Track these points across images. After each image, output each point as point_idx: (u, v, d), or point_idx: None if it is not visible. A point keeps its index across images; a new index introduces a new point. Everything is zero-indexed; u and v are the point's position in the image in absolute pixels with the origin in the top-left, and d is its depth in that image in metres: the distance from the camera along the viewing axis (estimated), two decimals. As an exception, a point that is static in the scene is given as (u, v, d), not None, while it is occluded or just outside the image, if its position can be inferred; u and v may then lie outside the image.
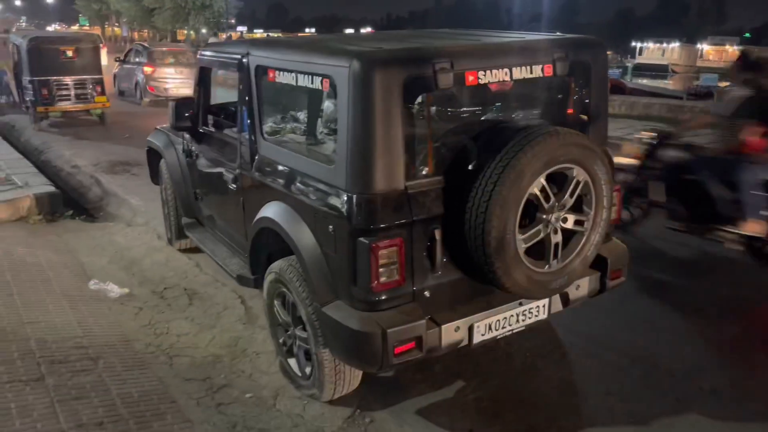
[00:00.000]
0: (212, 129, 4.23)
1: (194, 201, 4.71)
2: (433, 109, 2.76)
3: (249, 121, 3.48)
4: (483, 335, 2.99)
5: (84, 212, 6.86)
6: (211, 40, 39.14)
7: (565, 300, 3.23)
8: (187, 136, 4.53)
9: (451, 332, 2.85)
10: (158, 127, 5.37)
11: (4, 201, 6.06)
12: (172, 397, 3.14)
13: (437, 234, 2.77)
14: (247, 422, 3.03)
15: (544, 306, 3.15)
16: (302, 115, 3.24)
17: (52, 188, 6.60)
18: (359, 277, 2.69)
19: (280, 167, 3.23)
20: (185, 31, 44.30)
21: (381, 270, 2.65)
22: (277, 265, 3.29)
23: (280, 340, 3.49)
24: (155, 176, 5.54)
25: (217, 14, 41.55)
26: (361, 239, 2.63)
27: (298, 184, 3.05)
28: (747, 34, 66.17)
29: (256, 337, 3.92)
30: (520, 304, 3.06)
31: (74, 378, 3.17)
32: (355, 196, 2.65)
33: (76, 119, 12.04)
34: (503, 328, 3.06)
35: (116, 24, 52.82)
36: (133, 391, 3.14)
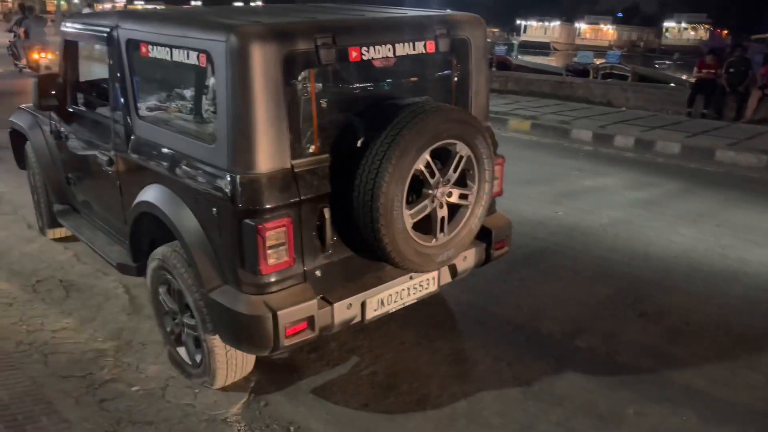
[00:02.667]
0: (82, 108, 3.93)
1: (66, 186, 4.37)
2: (318, 85, 2.71)
3: (122, 100, 3.26)
4: (375, 311, 3.02)
5: (-60, 202, 6.18)
6: (85, 11, 36.32)
7: (454, 272, 3.33)
8: (54, 116, 4.17)
9: (344, 310, 2.86)
10: (22, 106, 4.92)
11: None
12: (48, 398, 2.93)
13: (326, 213, 2.75)
14: (133, 416, 2.89)
15: (433, 278, 3.23)
16: (179, 93, 3.07)
17: None
18: (246, 260, 2.62)
19: (158, 148, 3.06)
20: (54, 1, 40.73)
21: (269, 252, 2.60)
22: (159, 252, 3.14)
23: (168, 329, 3.35)
24: (21, 160, 5.08)
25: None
26: (247, 221, 2.56)
27: (177, 166, 2.90)
28: (619, 14, 70.70)
29: (142, 327, 3.74)
30: (411, 278, 3.11)
31: (-69, 386, 2.87)
32: (238, 177, 2.56)
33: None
34: (395, 302, 3.10)
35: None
36: (2, 394, 2.89)
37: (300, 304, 2.69)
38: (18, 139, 4.93)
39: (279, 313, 2.62)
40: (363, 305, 2.94)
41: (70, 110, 3.97)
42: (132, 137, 3.25)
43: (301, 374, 3.26)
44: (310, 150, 2.73)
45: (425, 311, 3.82)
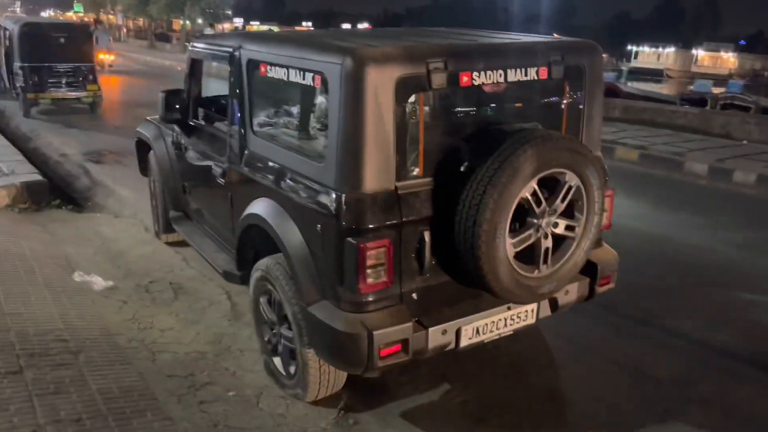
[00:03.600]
0: (202, 122, 4.18)
1: (182, 194, 4.65)
2: (426, 108, 2.72)
3: (239, 115, 3.43)
4: (470, 339, 2.96)
5: (71, 202, 6.77)
6: (207, 31, 38.97)
7: (554, 305, 3.20)
8: (176, 128, 4.47)
9: (438, 335, 2.82)
10: (148, 117, 5.31)
11: (-11, 188, 5.96)
12: (153, 394, 3.09)
13: (426, 236, 2.74)
14: (229, 421, 2.99)
15: (532, 311, 3.13)
16: (293, 111, 3.19)
17: (38, 177, 6.51)
18: (346, 278, 2.66)
19: (270, 163, 3.18)
20: (180, 21, 43.96)
21: (368, 271, 2.62)
22: (263, 263, 3.25)
23: (266, 338, 3.45)
24: (144, 168, 5.47)
25: (213, 5, 41.30)
26: (349, 239, 2.60)
27: (287, 181, 3.00)
28: (742, 41, 66.49)
29: (242, 334, 3.88)
30: (509, 308, 3.03)
31: (53, 372, 3.11)
32: (344, 195, 2.61)
33: (67, 107, 11.90)
34: (491, 332, 3.03)
35: (111, 12, 52.35)
36: (113, 386, 3.09)
37: (395, 325, 2.68)
38: (142, 147, 5.31)
39: (374, 333, 2.62)
40: (458, 332, 2.89)
41: (191, 123, 4.24)
42: (246, 151, 3.41)
43: (391, 396, 3.24)
44: (415, 172, 2.73)
45: (520, 343, 3.71)
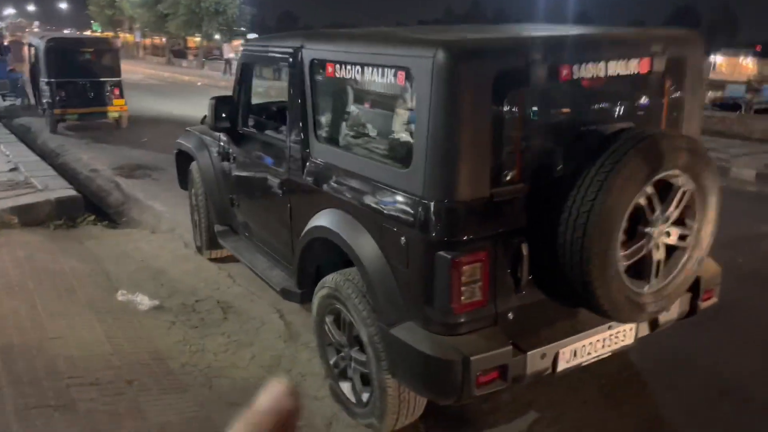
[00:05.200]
0: (254, 130, 3.93)
1: (229, 207, 4.41)
2: (524, 106, 2.45)
3: (301, 122, 3.18)
4: (568, 362, 2.66)
5: (105, 217, 6.57)
6: (224, 46, 39.16)
7: (654, 323, 2.89)
8: (224, 137, 4.23)
9: (537, 360, 2.53)
10: (188, 128, 5.09)
11: (24, 205, 5.78)
12: (216, 425, 2.82)
13: (524, 248, 2.45)
14: (301, 456, 2.71)
15: (631, 330, 2.82)
16: (367, 114, 2.93)
17: (72, 192, 6.33)
18: (437, 297, 2.38)
19: (339, 172, 2.92)
20: (196, 38, 44.26)
21: (463, 289, 2.34)
22: (331, 279, 2.98)
23: (331, 362, 3.17)
24: (184, 181, 5.25)
25: (230, 20, 41.49)
26: (441, 253, 2.32)
27: (361, 191, 2.74)
28: (759, 47, 65.56)
29: (300, 356, 3.60)
30: (609, 328, 2.73)
31: (107, 403, 2.86)
32: (434, 205, 2.33)
33: (93, 122, 11.80)
34: (588, 354, 2.73)
35: (128, 30, 52.88)
36: (172, 418, 2.83)
37: (493, 350, 2.39)
38: (183, 159, 5.09)
39: (471, 359, 2.33)
40: (556, 356, 2.59)
41: (242, 132, 4.00)
42: (309, 160, 3.15)
43: (474, 426, 2.95)
44: (510, 178, 2.46)
45: (607, 366, 3.38)
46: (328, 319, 3.12)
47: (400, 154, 2.55)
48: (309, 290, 3.38)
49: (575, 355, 2.68)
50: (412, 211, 2.42)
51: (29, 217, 5.71)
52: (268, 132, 3.73)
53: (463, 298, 2.34)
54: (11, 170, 7.20)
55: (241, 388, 3.23)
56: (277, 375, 3.40)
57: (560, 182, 2.41)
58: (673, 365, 3.40)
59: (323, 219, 3.01)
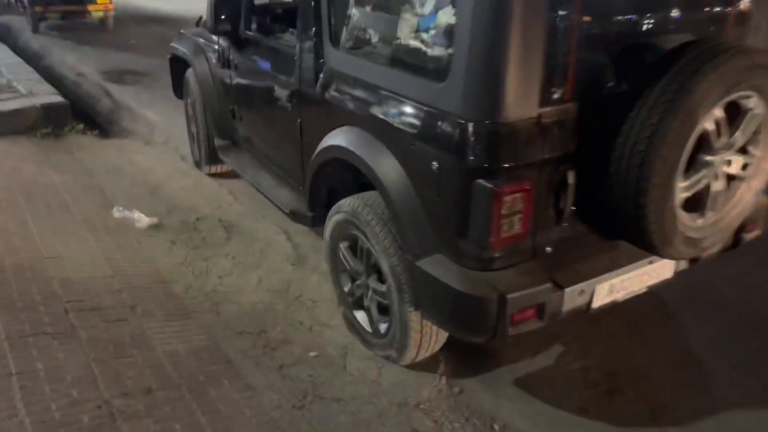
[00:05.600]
0: (259, 34, 3.54)
1: (231, 120, 4.08)
2: (579, 9, 2.12)
3: (314, 25, 2.82)
4: (603, 299, 2.47)
5: (95, 126, 6.21)
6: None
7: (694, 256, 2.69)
8: (224, 42, 3.84)
9: (575, 296, 2.33)
10: (183, 31, 4.66)
11: (8, 111, 5.40)
12: (226, 356, 2.67)
13: (570, 177, 2.20)
14: (318, 389, 2.57)
15: (671, 264, 2.62)
16: (395, 17, 2.55)
17: (60, 98, 5.92)
18: (472, 229, 2.14)
19: (359, 84, 2.60)
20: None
21: (502, 222, 2.10)
22: (347, 204, 2.73)
23: (345, 289, 2.99)
24: (179, 89, 4.87)
25: None
26: (480, 181, 2.06)
27: (386, 107, 2.44)
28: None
29: (310, 280, 3.42)
30: (650, 263, 2.53)
31: (110, 330, 2.68)
32: (473, 125, 2.05)
33: (77, 22, 11.08)
34: (624, 290, 2.54)
35: None
36: (179, 347, 2.66)
37: (531, 287, 2.19)
38: (178, 65, 4.70)
39: (508, 297, 2.13)
40: (592, 292, 2.40)
41: (244, 36, 3.61)
42: (324, 70, 2.82)
43: (497, 359, 2.81)
44: (558, 96, 2.15)
45: (633, 299, 3.22)
46: (343, 245, 2.90)
47: (435, 66, 2.22)
48: (320, 213, 3.15)
49: (612, 290, 2.49)
50: (446, 133, 2.14)
51: (13, 125, 5.35)
52: (275, 37, 3.34)
53: (502, 231, 2.11)
54: (-8, 73, 6.73)
55: (249, 315, 3.06)
56: (286, 300, 3.23)
57: (616, 102, 2.12)
58: (703, 299, 3.24)
59: (339, 137, 2.72)
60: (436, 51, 2.23)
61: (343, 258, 2.93)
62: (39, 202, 3.93)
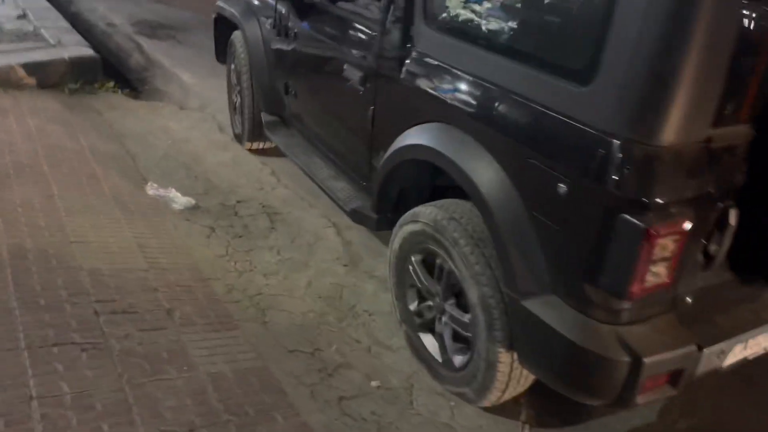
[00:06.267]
0: (328, 1, 3.07)
1: (283, 95, 3.64)
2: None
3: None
4: (736, 356, 2.05)
5: (126, 84, 5.78)
6: None
7: None
8: (283, 5, 3.38)
9: (713, 358, 1.92)
10: (233, -12, 4.19)
11: (35, 62, 4.98)
12: (278, 382, 2.28)
13: (732, 215, 1.76)
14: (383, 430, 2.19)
15: None
16: None
17: (90, 51, 5.47)
18: (607, 272, 1.72)
19: (460, 75, 2.15)
20: None
21: (650, 268, 1.67)
22: (428, 214, 2.31)
23: (411, 307, 2.59)
24: (222, 53, 4.43)
25: None
26: (627, 217, 1.63)
27: (496, 107, 1.99)
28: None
29: (365, 288, 3.03)
30: (796, 316, 2.10)
31: (145, 341, 2.30)
32: (626, 145, 1.61)
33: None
34: (758, 345, 2.12)
35: None
36: (224, 368, 2.28)
37: (672, 349, 1.78)
38: (222, 26, 4.24)
39: (645, 361, 1.72)
40: (731, 351, 1.98)
41: (310, 1, 3.14)
42: (412, 53, 2.37)
43: (588, 409, 2.40)
44: (733, 115, 1.71)
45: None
46: (415, 259, 2.50)
47: (577, 62, 1.76)
48: (387, 216, 2.75)
49: (745, 347, 2.07)
50: (584, 151, 1.70)
51: (40, 77, 4.93)
52: (350, 5, 2.87)
53: (646, 279, 1.69)
54: (19, 17, 6.27)
55: (300, 327, 2.67)
56: (340, 310, 2.84)
57: None
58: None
59: (426, 135, 2.29)
60: (580, 41, 1.76)
61: (413, 273, 2.52)
62: (66, 171, 3.54)
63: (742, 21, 1.56)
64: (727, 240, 1.79)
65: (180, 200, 3.52)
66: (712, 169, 1.67)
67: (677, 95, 1.55)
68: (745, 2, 1.55)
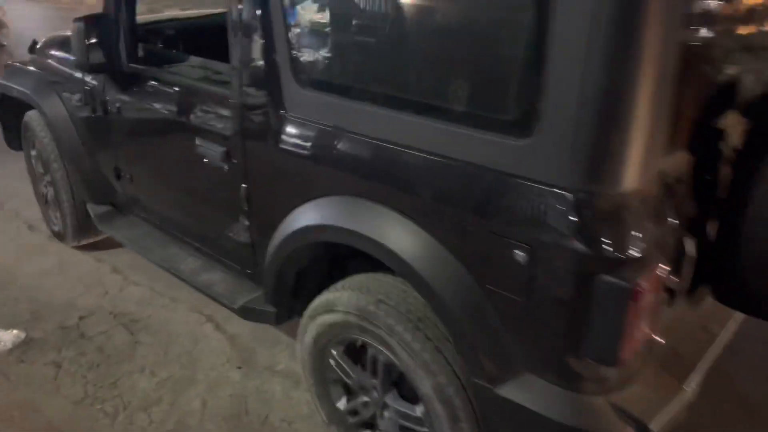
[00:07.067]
0: (155, 67, 2.56)
1: (112, 180, 3.02)
2: (703, 30, 1.56)
3: (264, 49, 1.97)
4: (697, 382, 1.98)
5: None
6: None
7: None
8: (93, 79, 2.78)
9: (690, 393, 1.80)
10: (15, 62, 3.45)
11: None
12: None
13: (689, 245, 1.65)
14: None
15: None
16: (416, 30, 1.73)
17: None
18: (593, 342, 1.49)
19: (358, 138, 1.83)
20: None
21: (637, 326, 1.49)
22: (347, 300, 1.96)
23: (338, 405, 2.22)
24: (13, 138, 3.65)
25: None
26: (608, 278, 1.42)
27: (414, 172, 1.70)
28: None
29: (272, 390, 2.57)
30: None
31: None
32: (592, 199, 1.41)
33: None
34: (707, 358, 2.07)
35: None
36: None
37: (670, 403, 1.62)
38: (10, 108, 3.48)
39: (652, 427, 1.54)
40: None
41: (130, 71, 2.60)
42: (287, 119, 1.99)
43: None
44: (673, 143, 1.59)
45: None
46: (336, 352, 2.12)
47: (509, 113, 1.52)
48: (287, 305, 2.34)
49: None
50: (541, 210, 1.47)
51: None
52: (186, 68, 2.39)
53: (634, 338, 1.50)
54: None
55: (213, 469, 2.15)
56: (253, 428, 2.36)
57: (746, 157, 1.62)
58: None
59: (330, 212, 1.93)
60: (508, 87, 1.53)
61: (337, 367, 2.15)
62: None
63: (681, 55, 1.44)
64: (688, 271, 1.68)
65: (3, 338, 2.76)
66: (671, 203, 1.54)
67: (635, 134, 1.38)
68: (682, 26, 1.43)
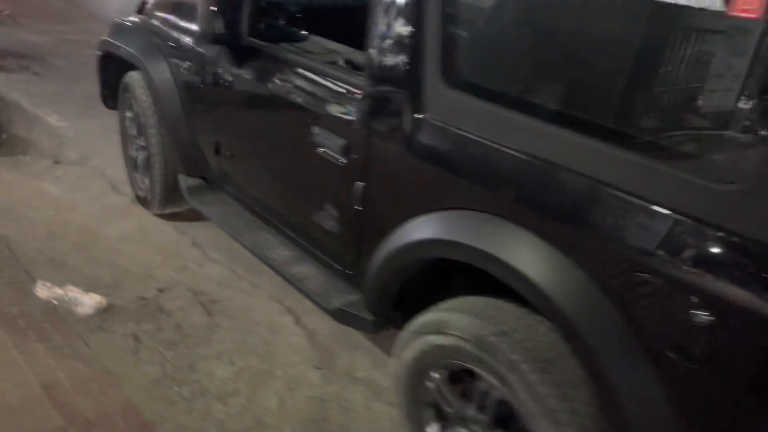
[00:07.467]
0: (277, 44, 2.42)
1: (213, 155, 2.92)
2: None
3: (413, 40, 1.80)
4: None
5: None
6: None
7: None
8: (209, 48, 2.67)
9: None
10: (122, 19, 3.38)
11: None
12: None
13: None
14: None
15: None
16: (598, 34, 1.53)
17: None
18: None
19: (512, 154, 1.64)
20: None
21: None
22: (464, 325, 1.78)
23: (429, 430, 2.05)
24: (110, 97, 3.60)
25: None
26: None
27: (584, 203, 1.51)
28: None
29: (352, 399, 2.43)
30: None
31: None
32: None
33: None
34: None
35: None
36: None
37: None
38: (111, 66, 3.43)
39: None
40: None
41: (251, 45, 2.47)
42: (422, 120, 1.82)
43: None
44: None
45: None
46: (439, 376, 1.96)
47: (710, 151, 1.31)
48: (386, 316, 2.19)
49: None
50: (742, 270, 1.26)
51: None
52: (311, 49, 2.25)
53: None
54: None
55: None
56: (332, 439, 2.23)
57: None
58: None
59: (462, 229, 1.77)
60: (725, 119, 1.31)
61: (436, 392, 1.98)
62: None
63: None
64: None
65: (85, 301, 2.70)
66: None
67: None
68: None
